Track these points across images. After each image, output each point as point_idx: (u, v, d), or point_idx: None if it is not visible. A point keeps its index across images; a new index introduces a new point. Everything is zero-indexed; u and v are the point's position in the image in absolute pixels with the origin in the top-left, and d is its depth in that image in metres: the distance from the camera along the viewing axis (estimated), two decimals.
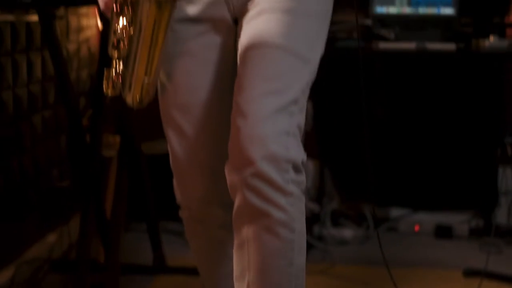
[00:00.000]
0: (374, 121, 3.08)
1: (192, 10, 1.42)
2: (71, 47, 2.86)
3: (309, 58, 1.36)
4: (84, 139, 2.41)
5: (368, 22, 2.83)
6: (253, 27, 1.36)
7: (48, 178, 2.70)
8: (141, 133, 2.63)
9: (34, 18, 2.41)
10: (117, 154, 2.66)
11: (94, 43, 3.08)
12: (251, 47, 1.33)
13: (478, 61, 2.97)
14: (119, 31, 1.34)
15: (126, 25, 1.32)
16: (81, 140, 2.41)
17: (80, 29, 2.93)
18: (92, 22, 3.03)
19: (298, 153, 1.28)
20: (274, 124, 1.25)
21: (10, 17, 2.38)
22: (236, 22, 1.44)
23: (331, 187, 3.17)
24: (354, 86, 2.97)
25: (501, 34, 2.75)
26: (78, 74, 2.95)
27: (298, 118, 1.31)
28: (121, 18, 1.32)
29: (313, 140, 3.06)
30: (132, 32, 1.32)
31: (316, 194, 3.08)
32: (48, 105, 2.67)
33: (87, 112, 2.83)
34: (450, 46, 2.65)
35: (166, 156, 1.53)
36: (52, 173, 2.73)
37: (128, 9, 1.31)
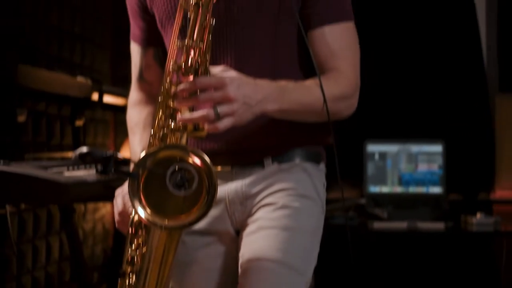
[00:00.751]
0: None
1: (200, 223, 1.61)
2: (87, 226, 3.07)
3: (304, 270, 1.52)
4: None
5: (363, 201, 3.04)
6: (253, 241, 1.54)
7: None
8: None
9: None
10: None
11: (109, 219, 3.29)
12: (252, 260, 1.50)
13: (467, 239, 3.13)
14: (133, 249, 1.53)
15: (140, 244, 1.52)
16: None
17: (96, 209, 3.15)
18: None
19: None
20: None
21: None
22: (238, 233, 1.63)
23: None
24: (351, 259, 3.12)
25: (488, 211, 2.94)
26: (92, 250, 3.13)
27: None
28: (135, 238, 1.52)
29: None
30: (144, 251, 1.50)
31: None
32: (64, 283, 2.83)
33: (101, 287, 2.99)
34: (439, 225, 2.83)
35: None
36: None
37: (142, 231, 1.51)
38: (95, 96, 2.62)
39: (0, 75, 2.22)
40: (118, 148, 3.38)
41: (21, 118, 2.34)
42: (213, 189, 1.34)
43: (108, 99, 2.74)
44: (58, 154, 2.63)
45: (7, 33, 2.39)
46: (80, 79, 2.55)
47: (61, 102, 2.65)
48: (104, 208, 3.25)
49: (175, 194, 1.33)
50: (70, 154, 2.65)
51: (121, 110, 2.70)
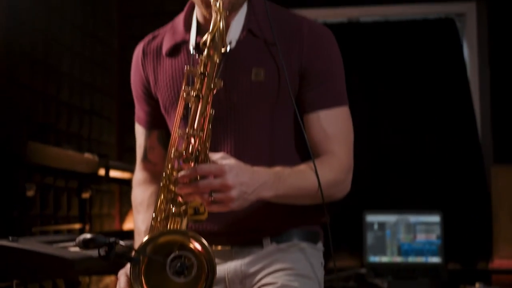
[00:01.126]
0: None
1: None
2: None
3: None
4: None
5: (363, 270, 3.07)
6: None
7: None
8: None
9: None
10: None
11: None
12: None
13: None
14: None
15: None
16: None
17: (100, 279, 3.20)
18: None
19: None
20: None
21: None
22: None
23: None
24: None
25: (486, 281, 2.97)
26: None
27: None
28: None
29: None
30: None
31: None
32: None
33: None
34: None
35: None
36: None
37: None
38: (101, 171, 2.70)
39: (10, 153, 2.30)
40: (123, 218, 3.45)
41: (30, 193, 2.42)
42: (211, 274, 1.39)
43: (114, 173, 2.83)
44: (64, 226, 2.70)
45: (18, 111, 2.49)
46: (87, 155, 2.64)
47: (68, 177, 2.73)
48: (108, 278, 3.30)
49: (175, 281, 1.39)
50: (77, 226, 2.72)
51: (127, 183, 2.78)
